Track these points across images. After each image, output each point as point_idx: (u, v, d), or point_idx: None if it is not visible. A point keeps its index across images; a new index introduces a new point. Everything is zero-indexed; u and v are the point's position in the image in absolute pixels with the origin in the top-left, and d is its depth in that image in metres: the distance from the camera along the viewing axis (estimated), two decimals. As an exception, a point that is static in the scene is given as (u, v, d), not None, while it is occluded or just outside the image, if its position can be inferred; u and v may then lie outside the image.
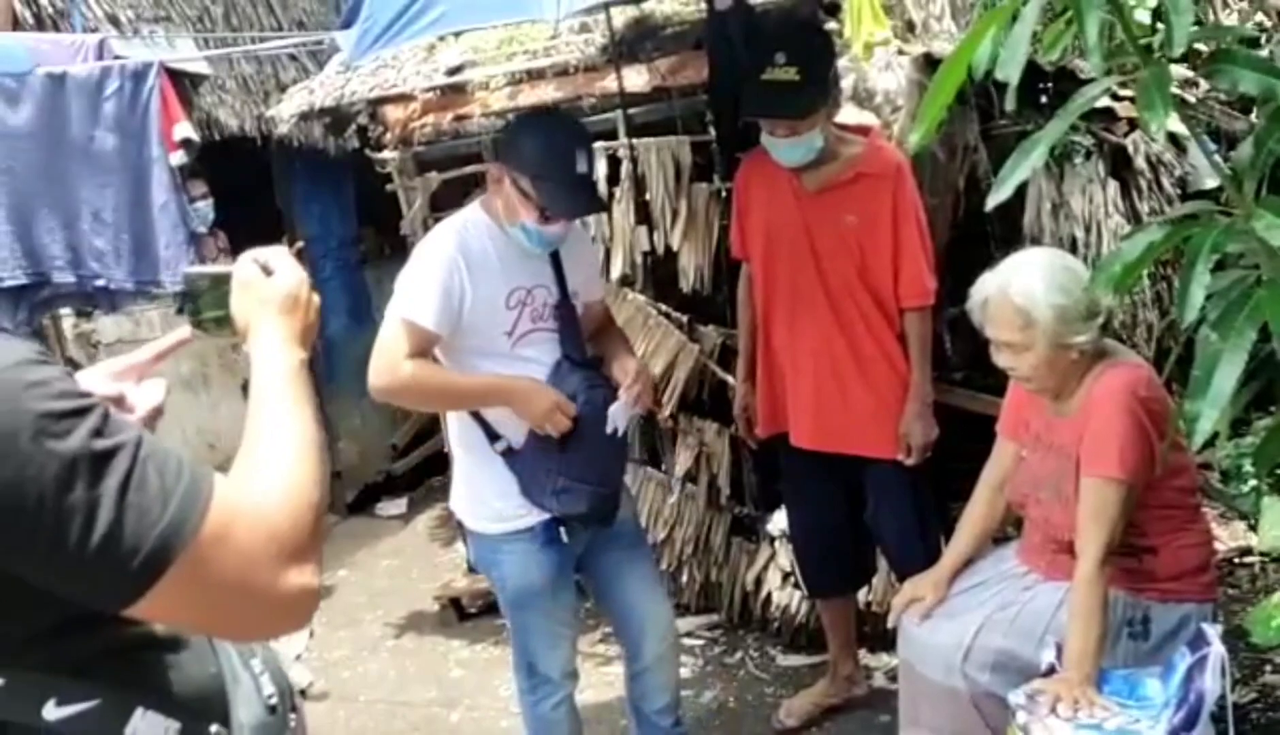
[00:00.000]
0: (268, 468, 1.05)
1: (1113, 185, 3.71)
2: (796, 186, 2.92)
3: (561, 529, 2.51)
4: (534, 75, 3.76)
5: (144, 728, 1.02)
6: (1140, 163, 3.91)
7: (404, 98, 4.07)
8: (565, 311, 2.53)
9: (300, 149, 5.39)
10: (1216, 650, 2.03)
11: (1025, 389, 2.50)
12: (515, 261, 2.47)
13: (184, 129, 3.61)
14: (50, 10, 4.38)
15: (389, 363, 2.38)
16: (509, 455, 2.50)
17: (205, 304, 1.35)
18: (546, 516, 2.50)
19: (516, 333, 2.48)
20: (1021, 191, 3.54)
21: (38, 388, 0.91)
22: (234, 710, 1.09)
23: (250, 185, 5.78)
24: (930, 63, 3.25)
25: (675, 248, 3.71)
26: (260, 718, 1.12)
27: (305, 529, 1.03)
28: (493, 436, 2.50)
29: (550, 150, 2.39)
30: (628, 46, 3.56)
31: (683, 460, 3.90)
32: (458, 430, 2.61)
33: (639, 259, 3.77)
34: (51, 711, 0.97)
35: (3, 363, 0.91)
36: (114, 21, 4.54)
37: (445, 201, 3.94)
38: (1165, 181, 4.00)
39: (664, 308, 3.82)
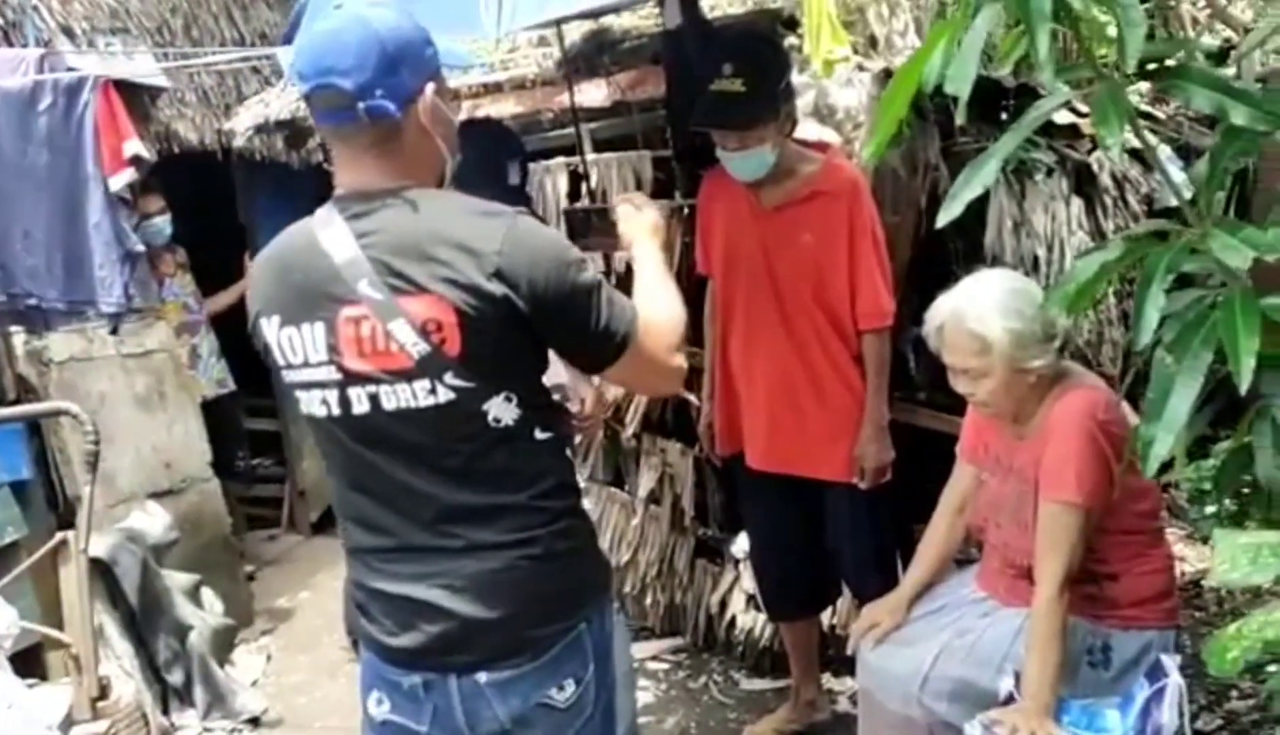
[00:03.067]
0: (658, 305, 1.76)
1: (1077, 202, 3.68)
2: (753, 204, 2.88)
3: None
4: (490, 89, 3.70)
5: (569, 460, 1.76)
6: (1105, 180, 3.88)
7: (362, 111, 3.98)
8: None
9: (262, 162, 5.31)
10: (1174, 682, 1.98)
11: (983, 414, 2.46)
12: None
13: (134, 146, 3.51)
14: (1, 22, 4.30)
15: None
16: None
17: (582, 231, 2.11)
18: None
19: None
20: (982, 209, 3.51)
21: (571, 247, 1.66)
22: None
23: (213, 199, 5.70)
24: (891, 79, 3.20)
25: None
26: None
27: (679, 334, 1.77)
28: None
29: (479, 160, 2.34)
30: (585, 60, 3.51)
31: (646, 481, 3.84)
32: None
33: (599, 277, 3.70)
34: (538, 433, 1.67)
35: (556, 235, 1.71)
36: (68, 33, 4.45)
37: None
38: (1131, 199, 3.98)
39: (626, 326, 3.75)
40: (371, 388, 1.60)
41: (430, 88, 1.63)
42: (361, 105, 1.57)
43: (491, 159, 2.41)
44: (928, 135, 3.25)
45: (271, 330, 1.66)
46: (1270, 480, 1.77)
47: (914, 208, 3.27)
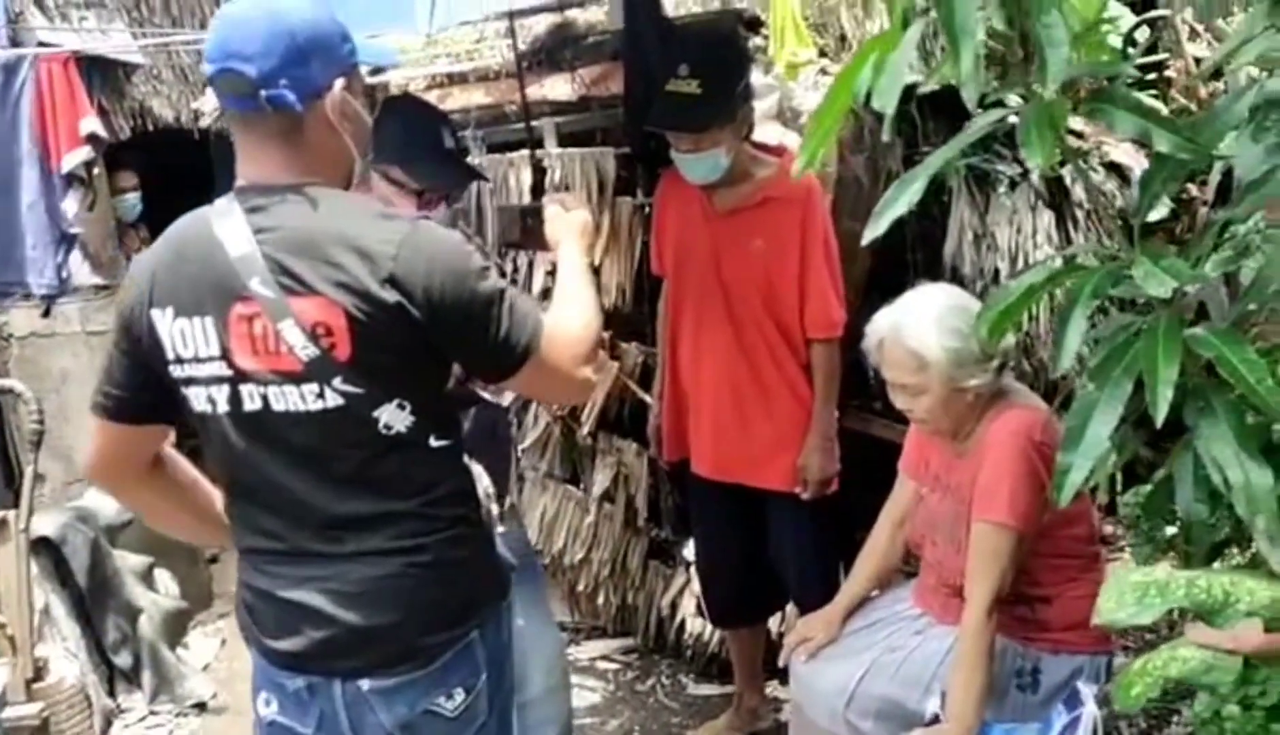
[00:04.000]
0: (571, 312, 1.73)
1: (1046, 216, 3.63)
2: (706, 207, 2.84)
3: None
4: (456, 79, 3.66)
5: (474, 467, 1.74)
6: (1079, 193, 3.83)
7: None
8: None
9: (239, 143, 5.27)
10: (1089, 711, 1.96)
11: (922, 430, 2.43)
12: None
13: (90, 123, 3.47)
14: (-31, -7, 4.25)
15: None
16: None
17: (511, 230, 2.09)
18: None
19: None
20: (944, 219, 3.47)
21: (473, 254, 1.61)
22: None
23: (190, 177, 5.66)
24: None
25: (597, 262, 3.61)
26: (487, 487, 1.82)
27: (591, 345, 1.72)
28: None
29: (412, 130, 2.36)
30: (547, 54, 3.47)
31: (601, 479, 3.80)
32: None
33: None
34: (433, 441, 1.63)
35: (458, 242, 1.63)
36: (39, 6, 4.39)
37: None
38: (1106, 214, 3.93)
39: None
40: (262, 387, 1.57)
41: (340, 83, 1.59)
42: (263, 93, 1.52)
43: (424, 126, 2.40)
44: (890, 143, 3.21)
45: (164, 323, 1.61)
46: (1188, 513, 1.75)
47: (875, 216, 3.23)
